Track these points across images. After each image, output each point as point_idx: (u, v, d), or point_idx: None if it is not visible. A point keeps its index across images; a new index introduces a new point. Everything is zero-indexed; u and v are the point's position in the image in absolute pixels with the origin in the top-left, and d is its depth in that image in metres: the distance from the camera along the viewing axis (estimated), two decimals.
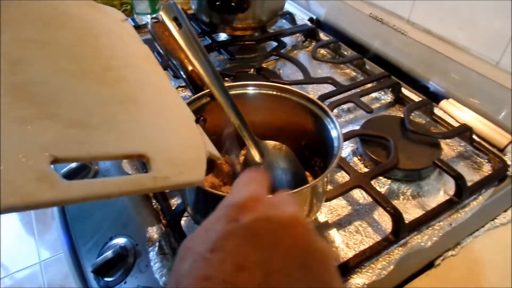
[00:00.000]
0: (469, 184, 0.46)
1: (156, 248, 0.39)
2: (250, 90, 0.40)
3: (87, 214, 0.45)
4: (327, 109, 0.36)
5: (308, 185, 0.30)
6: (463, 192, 0.44)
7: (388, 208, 0.40)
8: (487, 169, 0.50)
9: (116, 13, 0.42)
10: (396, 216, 0.40)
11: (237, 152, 0.45)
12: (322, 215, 0.44)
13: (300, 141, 0.42)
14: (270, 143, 0.40)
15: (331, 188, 0.44)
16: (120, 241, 0.40)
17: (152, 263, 0.38)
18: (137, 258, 0.39)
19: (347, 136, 0.50)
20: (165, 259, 0.38)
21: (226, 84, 0.38)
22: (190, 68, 0.43)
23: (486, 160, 0.51)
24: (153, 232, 0.40)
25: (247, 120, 0.40)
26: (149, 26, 0.45)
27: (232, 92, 0.40)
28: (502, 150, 0.52)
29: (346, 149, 0.53)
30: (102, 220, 0.44)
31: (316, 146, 0.40)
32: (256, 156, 0.38)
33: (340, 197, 0.46)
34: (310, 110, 0.38)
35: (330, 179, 0.49)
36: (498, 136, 0.53)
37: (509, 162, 0.50)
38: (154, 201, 0.44)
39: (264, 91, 0.39)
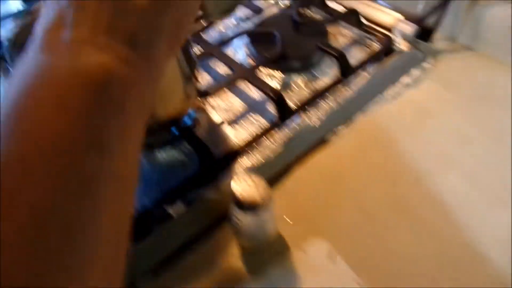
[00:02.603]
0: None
1: None
2: None
3: None
4: None
5: None
6: (346, 69, 0.45)
7: (268, 93, 0.41)
8: (376, 48, 0.52)
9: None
10: (278, 100, 0.41)
11: None
12: (216, 115, 0.45)
13: None
14: None
15: (216, 84, 0.44)
16: None
17: None
18: None
19: (234, 36, 0.49)
20: None
21: None
22: None
23: (376, 41, 0.53)
24: None
25: None
26: None
27: None
28: (391, 30, 0.53)
29: (241, 53, 0.53)
30: None
31: None
32: None
33: (234, 96, 0.47)
34: None
35: (216, 78, 0.49)
36: (387, 17, 0.54)
37: (395, 38, 0.51)
38: None
39: None
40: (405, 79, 0.49)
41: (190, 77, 0.35)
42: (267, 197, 0.29)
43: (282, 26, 0.52)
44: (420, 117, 0.46)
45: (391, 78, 0.49)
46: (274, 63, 0.47)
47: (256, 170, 0.39)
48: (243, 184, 0.29)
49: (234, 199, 0.29)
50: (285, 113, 0.41)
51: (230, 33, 0.54)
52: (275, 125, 0.41)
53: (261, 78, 0.44)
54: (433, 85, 0.49)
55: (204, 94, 0.41)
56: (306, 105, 0.43)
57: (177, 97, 0.34)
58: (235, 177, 0.29)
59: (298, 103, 0.43)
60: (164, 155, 0.41)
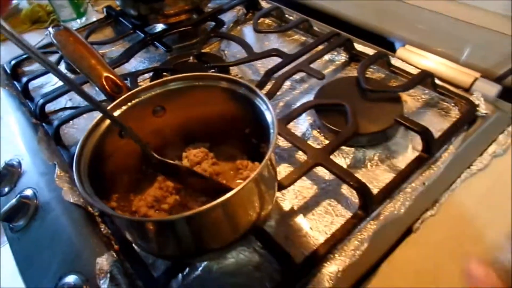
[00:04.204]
0: (438, 133, 0.43)
1: (108, 280, 0.35)
2: (172, 86, 0.35)
3: (34, 255, 0.41)
4: (255, 88, 0.32)
5: (243, 184, 0.26)
6: (431, 146, 0.41)
7: (351, 183, 0.37)
8: (455, 113, 0.47)
9: None
10: (361, 189, 0.36)
11: (178, 154, 0.41)
12: (286, 202, 0.41)
13: (243, 129, 0.38)
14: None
15: (291, 171, 0.40)
16: (70, 279, 0.36)
17: None
18: None
19: (300, 110, 0.45)
20: None
21: (138, 89, 0.34)
22: (105, 74, 0.38)
23: (453, 104, 0.48)
24: (103, 262, 0.36)
25: (183, 120, 0.36)
26: (51, 34, 0.40)
27: (153, 92, 0.36)
28: (468, 90, 0.48)
29: (304, 124, 0.49)
30: (50, 259, 0.40)
31: (259, 131, 0.36)
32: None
33: (304, 178, 0.43)
34: (239, 94, 0.33)
35: (290, 160, 0.45)
36: (463, 76, 0.49)
37: (476, 102, 0.46)
38: (103, 226, 0.40)
39: (183, 84, 0.35)
40: (492, 148, 0.44)
41: (273, 187, 0.31)
42: None
43: (348, 93, 0.48)
44: None
45: (478, 149, 0.43)
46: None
47: (342, 274, 0.34)
48: None
49: None
50: (368, 203, 0.37)
51: (291, 104, 0.51)
52: (358, 217, 0.37)
53: (333, 159, 0.40)
54: None
55: (279, 188, 0.37)
56: (390, 190, 0.38)
57: (260, 207, 0.30)
58: None
59: (380, 188, 0.39)
60: (236, 257, 0.37)
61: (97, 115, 0.52)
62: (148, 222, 0.27)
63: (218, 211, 0.26)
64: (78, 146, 0.30)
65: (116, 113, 0.34)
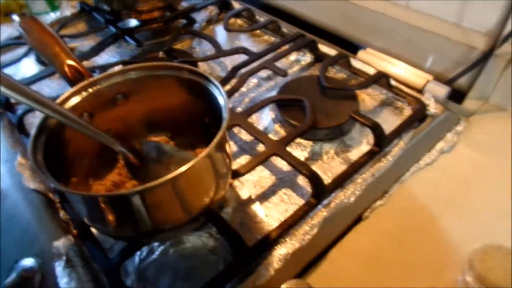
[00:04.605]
0: (391, 130, 0.46)
1: (63, 262, 0.36)
2: (132, 75, 0.36)
3: None
4: (207, 75, 0.33)
5: (191, 162, 0.27)
6: (381, 140, 0.43)
7: (304, 171, 0.39)
8: (408, 112, 0.50)
9: None
10: (313, 178, 0.38)
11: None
12: (245, 190, 0.42)
13: (203, 119, 0.39)
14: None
15: (249, 160, 0.42)
16: (26, 262, 0.37)
17: (59, 279, 0.34)
18: (44, 278, 0.35)
19: (261, 105, 0.47)
20: (74, 271, 0.35)
21: (98, 76, 0.35)
22: (68, 62, 0.39)
23: (406, 104, 0.51)
24: (60, 245, 0.37)
25: (145, 109, 0.38)
26: (17, 22, 0.40)
27: (114, 80, 0.37)
28: (421, 91, 0.51)
29: (267, 118, 0.51)
30: (7, 243, 0.40)
31: (218, 120, 0.37)
32: (133, 160, 0.35)
33: (263, 168, 0.45)
34: (196, 82, 0.35)
35: (252, 152, 0.47)
36: (417, 78, 0.52)
37: (427, 102, 0.49)
38: (62, 212, 0.41)
39: (143, 74, 0.36)
40: (439, 145, 0.47)
41: (226, 173, 0.33)
42: None
43: (309, 90, 0.50)
44: (457, 187, 0.43)
45: (426, 145, 0.46)
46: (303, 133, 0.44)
47: (291, 257, 0.36)
48: None
49: None
50: (320, 192, 0.39)
51: (256, 100, 0.53)
52: (310, 204, 0.39)
53: (292, 152, 0.42)
54: (467, 150, 0.47)
55: (236, 175, 0.39)
56: (342, 180, 0.40)
57: (212, 190, 0.32)
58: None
59: (333, 178, 0.41)
60: (193, 241, 0.38)
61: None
62: (98, 198, 0.28)
63: (168, 187, 0.28)
64: (36, 126, 0.31)
65: (75, 99, 0.35)
